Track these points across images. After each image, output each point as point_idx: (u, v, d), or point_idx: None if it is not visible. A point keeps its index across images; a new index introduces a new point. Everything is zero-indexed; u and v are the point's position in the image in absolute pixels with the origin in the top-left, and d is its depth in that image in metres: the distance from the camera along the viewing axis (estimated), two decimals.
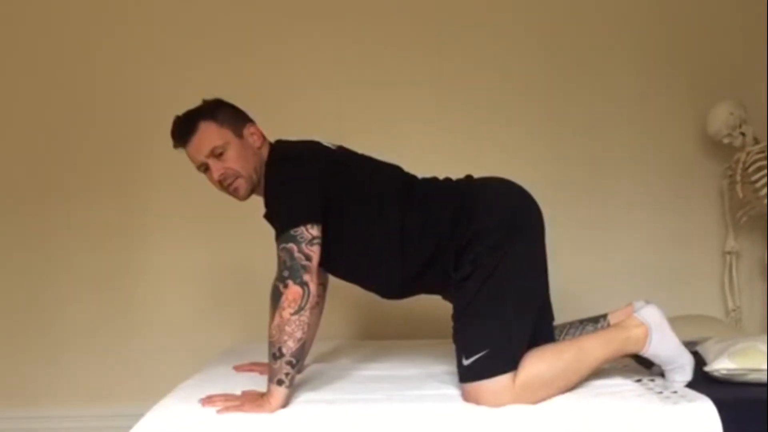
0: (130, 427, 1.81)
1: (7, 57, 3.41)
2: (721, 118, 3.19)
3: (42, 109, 3.40)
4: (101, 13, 3.42)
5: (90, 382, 3.34)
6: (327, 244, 2.02)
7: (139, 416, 1.85)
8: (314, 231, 1.98)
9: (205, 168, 2.18)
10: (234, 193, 2.19)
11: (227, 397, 1.94)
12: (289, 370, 1.90)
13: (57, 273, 3.37)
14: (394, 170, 2.26)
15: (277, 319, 1.91)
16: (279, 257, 1.98)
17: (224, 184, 2.17)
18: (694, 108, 3.40)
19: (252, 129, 2.22)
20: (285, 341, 1.89)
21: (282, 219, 2.01)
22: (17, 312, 3.36)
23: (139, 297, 3.38)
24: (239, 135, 2.18)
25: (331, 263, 2.16)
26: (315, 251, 1.97)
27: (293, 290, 1.91)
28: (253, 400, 1.91)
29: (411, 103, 3.43)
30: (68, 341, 3.35)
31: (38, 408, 3.32)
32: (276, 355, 1.90)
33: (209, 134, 2.14)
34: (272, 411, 1.87)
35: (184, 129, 2.16)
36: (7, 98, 3.41)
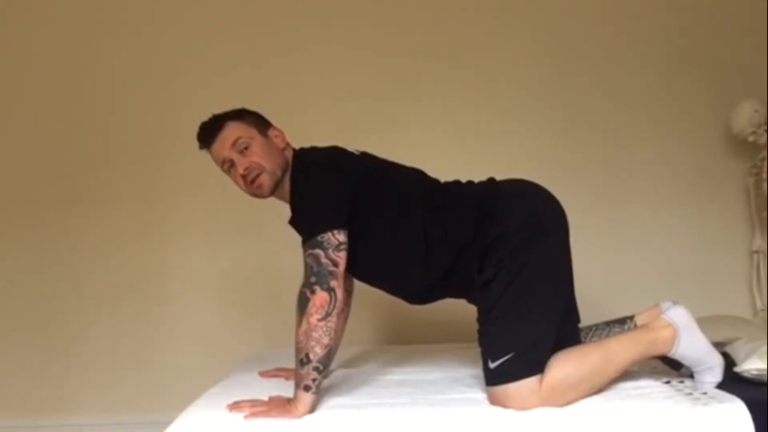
0: None
1: (26, 68, 3.46)
2: (745, 115, 3.16)
3: (63, 119, 3.44)
4: (121, 23, 3.46)
5: (116, 390, 3.36)
6: (353, 249, 2.02)
7: (166, 424, 1.86)
8: (341, 237, 1.98)
9: (229, 165, 2.18)
10: (258, 189, 2.18)
11: (254, 403, 1.94)
12: (316, 376, 1.90)
13: (80, 283, 3.40)
14: (417, 174, 2.26)
15: (304, 325, 1.91)
16: (306, 263, 1.98)
17: (248, 179, 2.16)
18: (718, 106, 3.38)
19: (276, 132, 2.24)
20: (312, 347, 1.89)
21: (309, 225, 2.02)
22: (41, 322, 3.39)
23: (163, 305, 3.40)
24: (264, 134, 2.20)
25: (357, 268, 2.15)
26: (342, 257, 1.97)
27: (320, 296, 1.91)
28: (280, 406, 1.91)
29: (427, 110, 3.43)
30: (93, 350, 3.38)
31: (64, 417, 3.34)
32: (303, 360, 1.90)
33: (234, 130, 2.17)
34: (299, 416, 1.87)
35: (210, 129, 2.18)
36: (24, 110, 3.45)
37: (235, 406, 1.93)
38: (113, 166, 3.42)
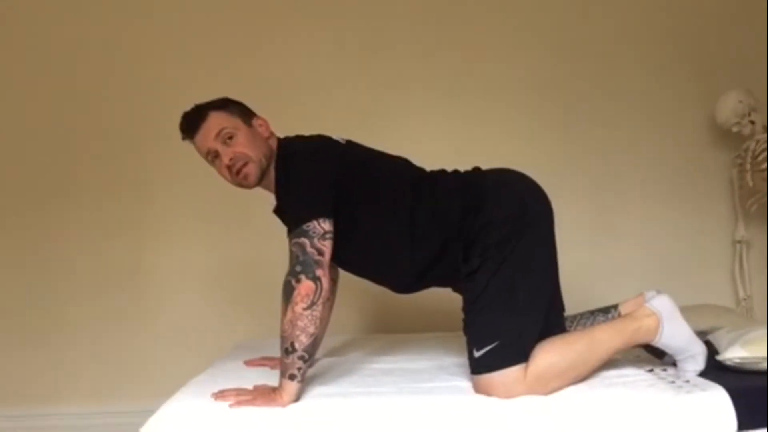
0: (142, 424, 1.81)
1: (13, 59, 3.42)
2: (730, 106, 3.18)
3: (47, 110, 3.41)
4: (107, 15, 3.43)
5: (101, 379, 3.35)
6: (338, 239, 2.02)
7: (150, 413, 1.85)
8: (326, 225, 1.97)
9: (214, 155, 2.16)
10: (244, 180, 2.16)
11: (239, 392, 1.94)
12: (301, 365, 1.90)
13: (66, 273, 3.38)
14: (403, 163, 2.26)
15: (289, 314, 1.91)
16: (291, 252, 1.98)
17: (234, 169, 2.14)
18: (703, 97, 3.40)
19: (260, 121, 2.23)
20: (297, 336, 1.89)
21: (294, 214, 2.01)
22: (28, 312, 3.37)
23: (148, 295, 3.39)
24: (248, 124, 2.19)
25: (342, 258, 2.16)
26: (327, 246, 1.97)
27: (306, 285, 1.91)
28: (265, 395, 1.91)
29: (423, 102, 3.42)
30: (79, 339, 3.36)
31: (51, 406, 3.33)
32: (288, 350, 1.90)
33: (217, 120, 2.14)
34: (284, 405, 1.87)
35: (193, 119, 2.16)
36: (13, 99, 3.42)
37: (220, 394, 1.93)
38: (98, 158, 3.40)
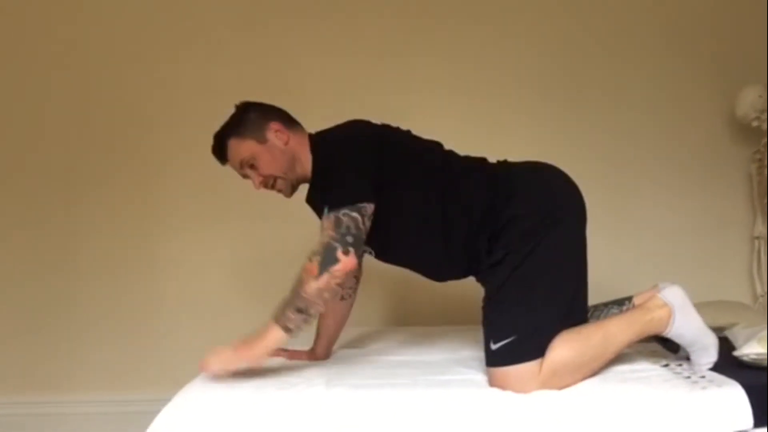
0: (157, 412, 1.82)
1: (21, 56, 3.44)
2: (749, 100, 3.15)
3: (62, 102, 3.42)
4: (116, 6, 3.44)
5: (116, 368, 3.38)
6: (378, 225, 2.04)
7: (165, 401, 1.86)
8: (371, 209, 2.01)
9: (247, 176, 2.25)
10: (279, 193, 2.27)
11: (219, 357, 1.98)
12: (302, 326, 1.93)
13: (80, 263, 3.40)
14: (436, 149, 2.24)
15: (322, 280, 1.90)
16: (339, 221, 1.95)
17: (268, 188, 2.24)
18: (722, 91, 3.37)
19: (275, 127, 2.22)
20: (317, 304, 1.92)
21: (348, 191, 2.01)
22: (43, 300, 3.39)
23: (163, 285, 3.41)
24: (263, 141, 2.20)
25: (380, 242, 2.18)
26: (368, 228, 2.00)
27: (351, 261, 1.92)
28: (245, 343, 1.95)
29: (430, 102, 3.41)
30: (93, 328, 3.38)
31: (64, 394, 3.36)
32: (301, 309, 1.91)
33: (236, 150, 2.21)
34: (265, 351, 1.93)
35: (218, 150, 2.25)
36: (25, 93, 3.43)
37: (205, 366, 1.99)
38: (111, 149, 3.41)
